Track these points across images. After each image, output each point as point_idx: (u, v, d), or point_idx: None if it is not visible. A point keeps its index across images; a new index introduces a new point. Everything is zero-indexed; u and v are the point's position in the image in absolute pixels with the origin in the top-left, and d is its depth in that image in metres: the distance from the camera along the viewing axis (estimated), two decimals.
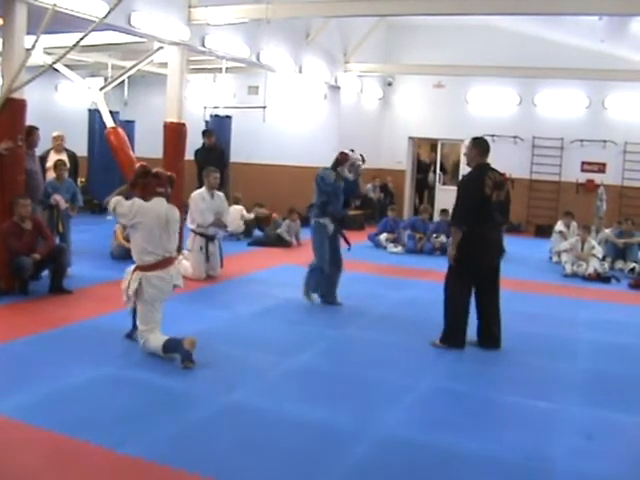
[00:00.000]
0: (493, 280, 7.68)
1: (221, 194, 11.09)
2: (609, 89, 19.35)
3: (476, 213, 7.29)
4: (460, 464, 4.77)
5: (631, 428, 5.64)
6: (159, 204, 6.75)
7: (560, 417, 5.78)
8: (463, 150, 18.56)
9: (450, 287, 7.55)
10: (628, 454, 5.07)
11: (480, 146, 7.66)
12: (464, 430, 5.35)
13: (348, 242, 9.13)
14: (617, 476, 4.69)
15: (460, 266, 7.38)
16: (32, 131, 9.63)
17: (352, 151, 8.96)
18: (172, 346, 6.44)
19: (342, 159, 8.86)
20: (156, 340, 6.55)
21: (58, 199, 10.10)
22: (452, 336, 7.51)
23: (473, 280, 7.53)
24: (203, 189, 10.92)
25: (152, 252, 6.62)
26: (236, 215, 14.71)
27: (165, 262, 6.70)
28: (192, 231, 10.79)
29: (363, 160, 9.05)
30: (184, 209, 11.88)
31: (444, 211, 15.41)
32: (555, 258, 14.19)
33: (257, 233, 15.39)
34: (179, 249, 10.98)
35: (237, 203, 15.07)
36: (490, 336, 7.62)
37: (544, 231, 17.98)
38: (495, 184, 7.39)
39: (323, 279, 9.10)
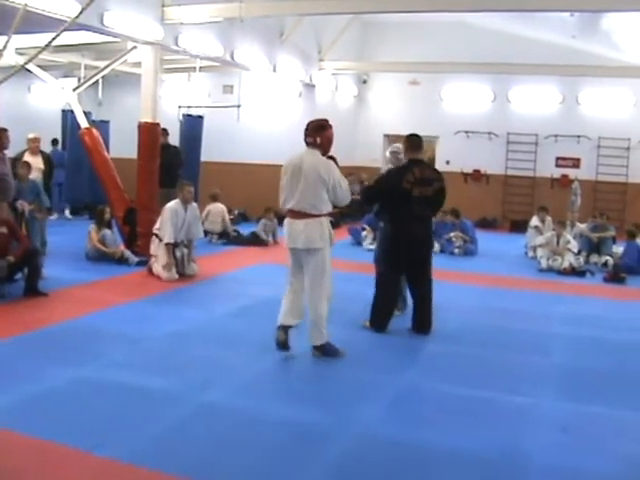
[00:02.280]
0: (422, 270, 7.99)
1: (195, 205, 10.99)
2: (582, 85, 19.54)
3: (396, 207, 7.75)
4: (437, 461, 4.79)
5: (606, 421, 5.67)
6: None
7: (536, 412, 5.81)
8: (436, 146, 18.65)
9: (378, 275, 8.09)
10: (604, 447, 5.10)
11: (410, 142, 8.06)
12: (440, 427, 5.37)
13: None
14: (593, 469, 4.72)
15: (387, 256, 7.92)
16: (1, 133, 9.51)
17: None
18: None
19: None
20: None
21: (23, 204, 9.97)
22: (374, 318, 7.99)
23: (401, 269, 7.98)
24: (177, 202, 10.68)
25: None
26: (218, 215, 14.65)
27: None
28: (156, 236, 10.67)
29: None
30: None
31: None
32: (530, 253, 14.27)
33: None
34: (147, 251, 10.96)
35: (216, 200, 14.99)
36: (421, 323, 8.00)
37: (519, 226, 18.09)
38: (417, 180, 7.70)
39: None
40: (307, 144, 6.75)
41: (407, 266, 7.94)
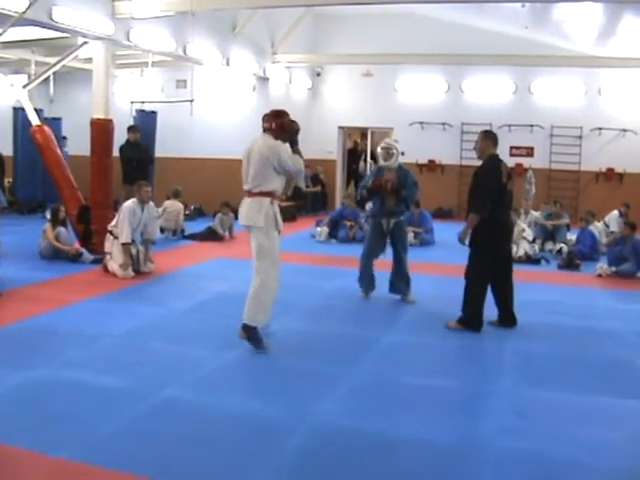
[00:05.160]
0: (509, 263, 8.11)
1: (152, 205, 10.93)
2: (534, 74, 19.75)
3: (495, 201, 7.69)
4: (394, 449, 4.80)
5: (562, 406, 5.74)
6: None
7: (492, 398, 5.86)
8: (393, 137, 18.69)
9: (475, 272, 7.89)
10: (560, 431, 5.16)
11: (491, 138, 8.04)
12: (397, 416, 5.40)
13: None
14: (550, 453, 4.77)
15: (485, 252, 7.80)
16: None
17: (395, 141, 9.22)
18: None
19: None
20: None
21: None
22: (473, 320, 7.85)
23: (494, 264, 7.91)
24: (134, 201, 10.62)
25: None
26: (174, 214, 14.56)
27: None
28: (110, 233, 10.58)
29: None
30: (114, 206, 11.78)
31: None
32: None
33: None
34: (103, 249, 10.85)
35: (177, 197, 14.89)
36: (511, 315, 8.08)
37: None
38: (508, 174, 7.87)
39: None
40: (263, 130, 6.99)
41: (501, 260, 7.97)
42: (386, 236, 9.22)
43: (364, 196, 9.40)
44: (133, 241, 10.53)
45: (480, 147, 7.99)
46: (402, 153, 9.33)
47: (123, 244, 10.31)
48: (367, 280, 9.26)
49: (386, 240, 9.25)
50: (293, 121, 7.09)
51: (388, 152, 9.06)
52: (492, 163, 7.85)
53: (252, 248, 6.92)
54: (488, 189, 7.71)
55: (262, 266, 6.84)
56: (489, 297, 7.99)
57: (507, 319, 8.08)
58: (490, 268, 7.89)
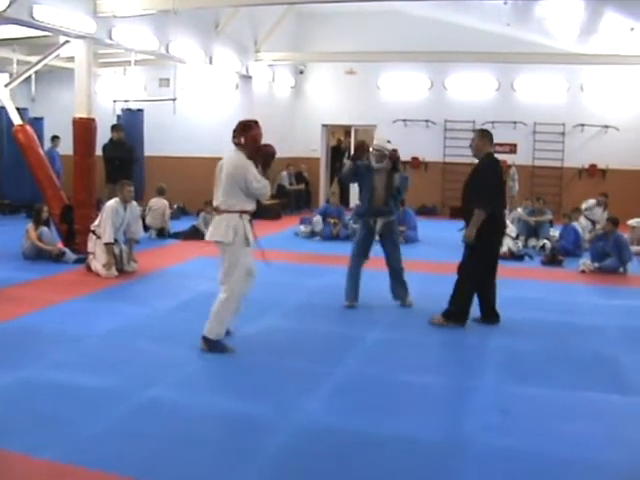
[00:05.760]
0: (497, 260, 8.22)
1: (134, 204, 10.90)
2: (517, 71, 19.82)
3: (497, 198, 7.82)
4: (379, 447, 4.82)
5: (546, 402, 5.78)
6: None
7: (476, 394, 5.89)
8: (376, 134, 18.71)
9: (471, 268, 7.94)
10: (544, 427, 5.19)
11: (488, 136, 8.09)
12: (382, 414, 5.42)
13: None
14: (533, 449, 4.80)
15: (483, 249, 7.83)
16: None
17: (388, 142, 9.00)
18: None
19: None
20: None
21: None
22: (460, 314, 7.93)
23: (490, 261, 8.02)
24: (117, 201, 10.59)
25: None
26: (159, 211, 14.52)
27: None
28: (93, 232, 10.55)
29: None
30: (97, 206, 11.74)
31: None
32: None
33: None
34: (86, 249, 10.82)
35: (161, 194, 14.87)
36: (494, 312, 8.18)
37: (459, 213, 18.21)
38: (503, 172, 8.03)
39: None
40: (234, 144, 6.86)
41: (494, 257, 8.10)
42: (374, 237, 8.94)
43: (345, 171, 9.13)
44: (116, 241, 10.51)
45: (477, 145, 7.98)
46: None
47: (106, 244, 10.28)
48: (351, 286, 8.84)
49: (373, 241, 8.95)
50: (269, 145, 7.03)
51: (381, 154, 8.69)
52: (491, 161, 7.92)
53: (221, 263, 6.88)
54: (492, 186, 7.78)
55: (229, 282, 6.80)
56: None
57: (490, 316, 8.13)
58: (486, 265, 7.96)
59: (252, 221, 6.96)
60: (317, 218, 15.18)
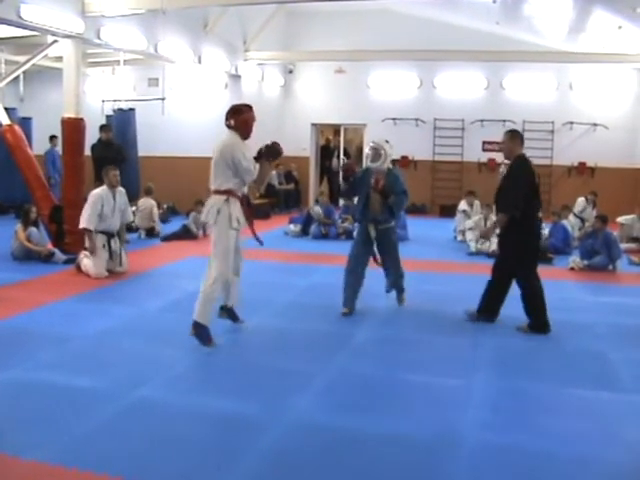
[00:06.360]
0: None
1: (122, 190, 10.83)
2: (506, 70, 19.89)
3: (530, 200, 7.66)
4: (370, 444, 4.82)
5: (536, 398, 5.81)
6: None
7: (467, 392, 5.91)
8: (366, 137, 18.71)
9: (529, 273, 7.83)
10: (534, 424, 5.21)
11: (519, 137, 7.96)
12: (373, 411, 5.42)
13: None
14: (524, 445, 4.81)
15: (531, 252, 7.77)
16: None
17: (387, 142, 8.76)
18: None
19: None
20: None
21: None
22: (544, 322, 7.78)
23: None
24: (103, 188, 10.55)
25: None
26: (148, 210, 14.50)
27: None
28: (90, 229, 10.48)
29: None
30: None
31: None
32: (460, 237, 14.45)
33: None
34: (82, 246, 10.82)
35: (149, 194, 14.83)
36: (495, 310, 8.11)
37: (448, 211, 18.29)
38: (535, 174, 7.82)
39: None
40: (227, 127, 7.03)
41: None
42: (372, 243, 8.57)
43: (342, 189, 9.06)
44: (112, 236, 10.52)
45: (508, 147, 7.87)
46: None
47: (84, 229, 10.32)
48: (348, 292, 8.47)
49: (372, 247, 8.62)
50: (276, 143, 7.22)
51: (376, 152, 8.38)
52: (523, 163, 7.80)
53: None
54: (521, 189, 7.65)
55: (215, 264, 6.92)
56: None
57: (488, 312, 8.10)
58: (535, 265, 7.88)
59: (250, 205, 7.14)
60: (317, 208, 15.32)
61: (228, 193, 6.88)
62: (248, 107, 7.12)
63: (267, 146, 7.15)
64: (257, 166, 7.02)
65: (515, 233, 7.67)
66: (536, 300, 7.81)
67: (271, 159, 7.19)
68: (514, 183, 7.70)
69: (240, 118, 6.95)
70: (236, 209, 6.90)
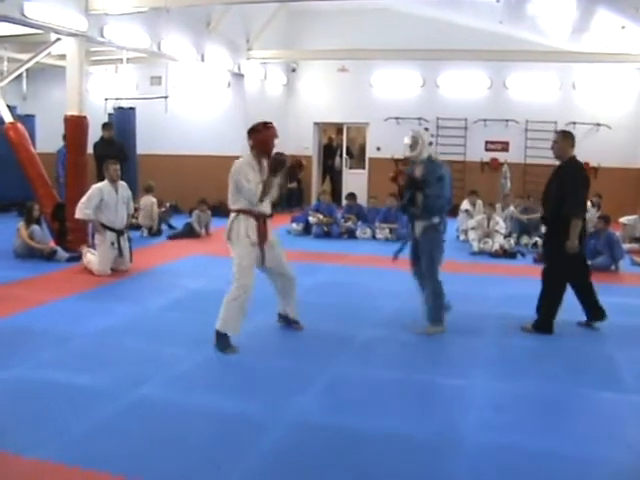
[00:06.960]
0: (585, 262, 8.20)
1: (124, 184, 10.83)
2: (509, 69, 19.83)
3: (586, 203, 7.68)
4: (371, 444, 4.82)
5: (536, 398, 5.80)
6: None
7: (468, 391, 5.90)
8: (367, 134, 18.68)
9: (559, 277, 7.72)
10: (535, 423, 5.21)
11: (571, 138, 7.87)
12: (375, 411, 5.41)
13: None
14: (526, 445, 4.80)
15: (570, 256, 7.52)
16: None
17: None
18: None
19: None
20: None
21: None
22: (549, 324, 7.71)
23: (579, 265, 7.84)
24: (105, 183, 10.58)
25: None
26: (149, 208, 14.50)
27: None
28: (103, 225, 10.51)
29: None
30: None
31: (352, 195, 15.63)
32: (462, 236, 14.43)
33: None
34: (85, 242, 10.85)
35: (149, 192, 14.83)
36: (599, 308, 7.96)
37: (451, 210, 18.22)
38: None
39: None
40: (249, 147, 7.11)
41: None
42: (417, 241, 7.98)
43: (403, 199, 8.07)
44: (122, 232, 10.56)
45: (560, 147, 7.80)
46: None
47: (77, 218, 10.43)
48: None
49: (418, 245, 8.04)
50: (281, 153, 7.10)
51: (415, 141, 7.82)
52: (579, 167, 7.75)
53: None
54: (584, 193, 7.65)
55: (235, 277, 6.93)
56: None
57: (596, 313, 8.00)
58: (574, 270, 7.78)
59: (266, 222, 7.18)
60: (312, 219, 15.23)
61: (238, 211, 6.98)
62: (266, 125, 7.05)
63: (273, 158, 7.05)
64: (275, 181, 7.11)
65: (564, 237, 7.48)
66: (552, 304, 7.74)
67: (276, 171, 7.11)
68: (574, 186, 7.56)
69: (256, 138, 6.98)
70: (247, 225, 6.95)
